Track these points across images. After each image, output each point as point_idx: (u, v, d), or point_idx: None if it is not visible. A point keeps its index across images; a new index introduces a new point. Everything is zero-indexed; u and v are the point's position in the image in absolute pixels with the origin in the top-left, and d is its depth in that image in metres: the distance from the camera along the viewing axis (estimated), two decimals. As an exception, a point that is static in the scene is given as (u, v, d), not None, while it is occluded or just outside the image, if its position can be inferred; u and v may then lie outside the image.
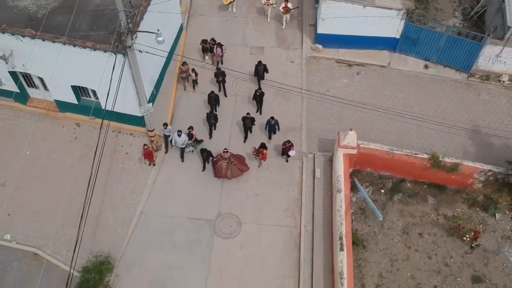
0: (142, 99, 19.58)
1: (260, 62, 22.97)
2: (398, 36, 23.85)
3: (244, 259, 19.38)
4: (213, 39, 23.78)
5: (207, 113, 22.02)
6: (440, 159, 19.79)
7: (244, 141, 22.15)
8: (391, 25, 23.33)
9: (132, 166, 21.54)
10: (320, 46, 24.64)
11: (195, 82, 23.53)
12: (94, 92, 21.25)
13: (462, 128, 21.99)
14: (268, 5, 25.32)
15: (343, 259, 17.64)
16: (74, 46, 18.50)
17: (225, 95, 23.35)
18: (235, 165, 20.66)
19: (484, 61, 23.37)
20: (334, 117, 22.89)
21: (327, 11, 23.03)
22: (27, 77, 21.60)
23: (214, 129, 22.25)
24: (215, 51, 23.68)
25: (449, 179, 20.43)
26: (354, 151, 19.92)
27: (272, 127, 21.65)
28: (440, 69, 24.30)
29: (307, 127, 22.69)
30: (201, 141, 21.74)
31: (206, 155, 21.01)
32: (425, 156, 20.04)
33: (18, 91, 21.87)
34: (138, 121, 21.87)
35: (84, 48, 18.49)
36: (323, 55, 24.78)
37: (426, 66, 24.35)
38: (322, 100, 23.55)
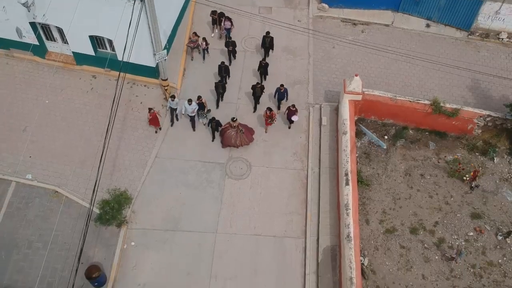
0: (158, 45, 20.54)
1: (268, 33, 23.34)
2: (401, -5, 24.85)
3: (254, 197, 20.35)
4: (221, 12, 24.04)
5: (215, 83, 22.31)
6: (441, 104, 20.71)
7: (254, 111, 22.58)
8: (394, -17, 24.32)
9: (146, 114, 22.42)
10: (326, 6, 25.62)
11: (205, 52, 23.83)
12: (110, 42, 22.19)
13: (463, 82, 23.03)
14: None
15: (349, 193, 18.61)
16: (94, -8, 19.47)
17: (234, 58, 23.91)
18: (243, 133, 21.11)
19: (483, 19, 24.33)
20: (340, 71, 23.86)
21: (333, -30, 24.03)
22: (46, 29, 22.55)
23: (222, 99, 22.60)
24: (222, 24, 24.04)
25: (450, 125, 21.38)
26: (359, 97, 20.87)
27: (281, 95, 22.00)
28: (441, 28, 25.26)
29: (314, 80, 23.67)
30: (209, 110, 22.30)
31: (215, 124, 21.23)
32: (427, 102, 20.99)
33: (37, 43, 22.84)
34: (152, 72, 22.87)
35: (103, -6, 19.47)
36: (329, 14, 25.78)
37: (427, 25, 25.33)
38: (328, 57, 24.62)
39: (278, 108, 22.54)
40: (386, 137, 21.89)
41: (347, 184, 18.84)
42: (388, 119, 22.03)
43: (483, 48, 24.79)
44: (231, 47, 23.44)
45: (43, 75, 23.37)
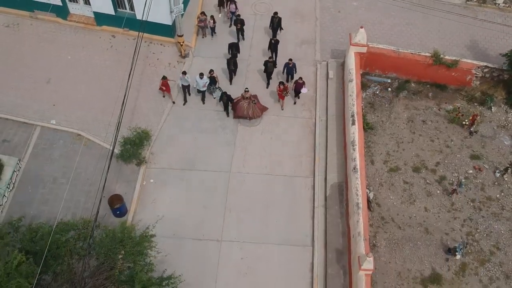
0: (176, -2, 21.94)
1: (275, 13, 23.87)
2: (402, -36, 26.26)
3: (265, 142, 21.55)
4: None
5: (227, 59, 22.73)
6: (441, 56, 22.01)
7: (267, 87, 23.01)
8: (396, -48, 25.77)
9: (163, 69, 23.80)
10: (331, -26, 27.07)
11: (213, 30, 24.76)
12: (129, 1, 23.59)
13: (462, 42, 24.40)
14: None
15: (355, 131, 19.82)
16: None
17: (243, 38, 24.61)
18: (255, 104, 21.66)
19: (480, -16, 25.76)
20: (345, 33, 25.09)
21: None
22: (70, -11, 24.04)
23: (234, 75, 23.07)
24: (228, 7, 24.90)
25: (450, 77, 22.66)
26: (364, 49, 22.18)
27: (290, 69, 22.61)
28: (441, -5, 26.71)
29: (321, 40, 25.01)
30: (219, 88, 22.58)
31: (226, 99, 21.64)
32: (428, 54, 22.30)
33: (60, 4, 24.30)
34: (168, 31, 24.23)
35: None
36: (334, -18, 27.22)
37: (428, -8, 26.76)
38: (333, 20, 26.01)
39: (287, 81, 22.89)
40: (389, 89, 23.17)
41: (353, 124, 20.06)
42: (391, 73, 23.32)
43: (480, 12, 26.18)
44: (239, 25, 24.09)
45: (65, 35, 24.75)
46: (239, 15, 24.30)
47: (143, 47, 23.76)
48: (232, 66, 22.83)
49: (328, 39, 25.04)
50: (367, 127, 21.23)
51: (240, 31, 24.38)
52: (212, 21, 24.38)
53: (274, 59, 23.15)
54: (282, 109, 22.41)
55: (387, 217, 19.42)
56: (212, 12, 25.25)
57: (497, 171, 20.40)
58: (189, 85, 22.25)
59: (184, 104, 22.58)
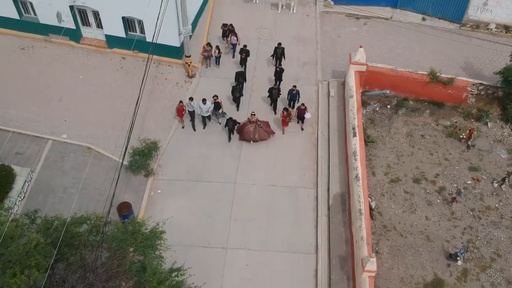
0: (184, 19, 23.15)
1: (279, 44, 24.61)
2: (398, -8, 27.82)
3: (269, 156, 22.24)
4: (231, 25, 25.87)
5: (232, 87, 23.40)
6: (437, 74, 23.02)
7: (275, 113, 23.51)
8: (392, -19, 27.35)
9: (170, 88, 24.82)
10: (332, 2, 28.59)
11: (217, 60, 25.31)
12: (139, 24, 24.84)
13: (457, 63, 25.51)
14: None
15: (356, 142, 20.56)
16: (130, -28, 22.35)
17: (245, 66, 25.06)
18: (261, 127, 22.10)
19: (473, 10, 27.14)
20: (345, 55, 26.14)
21: (337, -32, 27.14)
22: (83, 13, 25.31)
23: (239, 102, 23.62)
24: (229, 38, 25.74)
25: (446, 95, 23.58)
26: (364, 68, 23.22)
27: (293, 96, 23.17)
28: (436, 21, 28.07)
29: (322, 62, 26.15)
30: (224, 113, 23.38)
31: (232, 124, 22.10)
32: (424, 72, 23.31)
33: (74, 27, 25.57)
34: (176, 52, 25.41)
35: (139, -27, 22.31)
36: (334, 10, 28.67)
37: (423, 19, 28.15)
38: (334, 44, 27.25)
39: (292, 107, 23.33)
40: (388, 106, 24.06)
41: (354, 136, 20.82)
42: (390, 91, 24.24)
43: (474, 37, 27.41)
44: (244, 55, 24.91)
45: (78, 57, 25.90)
46: (245, 46, 24.83)
47: (152, 68, 24.91)
48: (237, 94, 23.49)
49: (328, 61, 26.16)
50: (368, 141, 21.95)
51: (244, 61, 24.91)
52: (217, 51, 25.06)
53: (278, 86, 23.85)
54: (283, 133, 22.91)
55: (389, 226, 19.86)
56: (216, 42, 26.09)
57: (495, 181, 20.98)
58: (193, 111, 22.63)
59: (194, 130, 23.03)
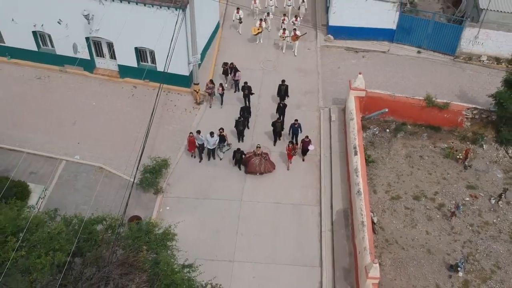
0: (194, 49, 24.65)
1: (283, 81, 25.38)
2: (394, 27, 29.50)
3: (274, 176, 23.08)
4: (231, 63, 26.89)
5: (236, 120, 24.07)
6: (433, 99, 24.25)
7: (274, 144, 24.25)
8: (388, 17, 29.07)
9: (179, 113, 26.02)
10: (331, 37, 30.25)
11: (222, 97, 25.95)
12: (151, 54, 26.35)
13: (451, 92, 26.85)
14: (283, 37, 28.77)
15: (357, 160, 21.49)
16: (145, 4, 24.01)
17: (249, 103, 25.64)
18: (266, 160, 22.71)
19: (465, 43, 28.73)
20: (345, 85, 27.56)
21: (337, 5, 28.94)
22: (97, 45, 26.89)
23: (243, 136, 24.37)
24: (231, 75, 26.74)
25: (442, 119, 24.71)
26: (363, 93, 24.47)
27: (295, 130, 23.63)
28: (430, 54, 29.61)
29: (323, 90, 27.45)
30: (230, 144, 24.27)
31: (239, 155, 22.72)
32: (421, 98, 24.56)
33: (89, 58, 27.10)
34: (185, 81, 26.78)
35: (152, 6, 23.97)
36: (334, 44, 30.31)
37: (419, 52, 29.71)
38: (334, 74, 28.71)
39: (296, 142, 23.62)
40: (387, 130, 25.14)
41: (355, 154, 21.78)
42: (388, 116, 25.40)
43: (467, 68, 28.88)
44: (246, 91, 25.79)
45: (91, 85, 27.28)
46: (246, 82, 25.54)
47: (161, 95, 25.77)
48: (240, 127, 24.13)
49: (329, 89, 27.47)
50: (368, 160, 22.87)
51: (247, 96, 25.54)
52: (221, 88, 25.80)
53: (282, 121, 24.35)
54: (288, 169, 23.18)
55: (391, 239, 20.48)
56: (218, 80, 27.11)
57: (492, 198, 21.74)
58: (203, 144, 23.20)
59: (200, 162, 23.65)
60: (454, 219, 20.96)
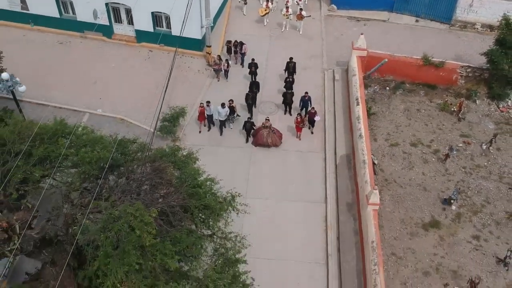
0: (208, 11, 26.49)
1: (291, 58, 26.46)
2: (394, -3, 31.40)
3: (283, 123, 24.82)
4: (235, 41, 27.74)
5: (246, 94, 25.02)
6: (430, 58, 26.07)
7: (285, 113, 25.32)
8: (388, -14, 30.97)
9: (193, 74, 27.90)
10: (334, 7, 32.09)
11: (227, 73, 27.24)
12: (166, 19, 28.21)
13: (447, 56, 28.66)
14: (286, 16, 30.20)
15: (359, 110, 23.32)
16: (162, -30, 25.89)
17: (255, 78, 26.35)
18: (275, 133, 23.68)
19: (460, 12, 30.54)
20: (348, 49, 29.45)
21: (339, -25, 30.83)
22: (116, 11, 28.75)
23: (254, 107, 25.31)
24: (238, 49, 27.90)
25: (438, 77, 26.53)
26: (365, 53, 26.28)
27: (305, 102, 24.65)
28: (428, 22, 31.42)
29: (327, 54, 29.30)
30: (238, 115, 25.57)
31: (249, 125, 23.59)
32: (419, 57, 26.37)
33: (108, 23, 28.98)
34: (197, 45, 28.65)
35: (168, -30, 25.83)
36: (336, 14, 32.16)
37: (417, 20, 31.53)
38: (337, 40, 30.53)
39: (301, 115, 24.14)
40: (387, 88, 26.96)
41: (357, 105, 23.61)
42: (388, 75, 27.25)
43: (462, 35, 30.69)
44: (253, 68, 26.38)
45: (110, 50, 29.17)
46: (253, 59, 26.55)
47: (176, 59, 28.04)
48: (249, 101, 25.11)
49: (332, 54, 29.30)
50: (369, 112, 24.67)
51: (254, 74, 26.45)
52: (226, 64, 27.11)
53: (291, 92, 25.16)
54: (300, 139, 24.20)
55: (390, 179, 22.30)
56: (225, 55, 28.43)
57: (484, 144, 23.55)
58: (212, 115, 24.21)
59: (208, 130, 24.67)
60: (448, 162, 22.77)
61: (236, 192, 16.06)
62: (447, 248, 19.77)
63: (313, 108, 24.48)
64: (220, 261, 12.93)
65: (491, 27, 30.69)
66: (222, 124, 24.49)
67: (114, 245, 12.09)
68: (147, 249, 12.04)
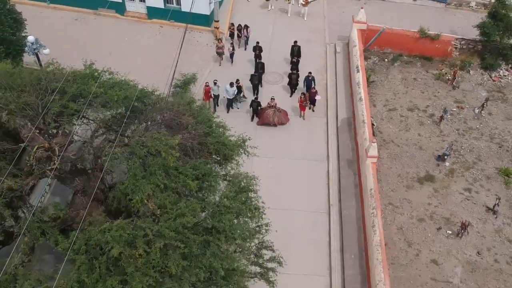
0: (215, -14, 28.11)
1: (295, 42, 27.18)
2: (393, -23, 32.88)
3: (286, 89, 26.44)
4: (239, 25, 28.66)
5: (251, 75, 25.78)
6: (426, 30, 27.60)
7: (291, 96, 26.08)
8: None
9: (201, 48, 29.46)
10: (336, -13, 33.62)
11: (232, 56, 27.95)
12: (176, -5, 29.85)
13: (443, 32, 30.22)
14: (288, 1, 31.23)
15: (359, 76, 24.84)
16: None
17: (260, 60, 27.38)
18: (280, 112, 24.39)
19: (456, -10, 32.09)
20: (349, 26, 31.00)
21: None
22: (129, -13, 30.38)
23: (258, 88, 25.87)
24: (243, 32, 28.94)
25: (434, 49, 28.06)
26: (364, 26, 27.82)
27: (309, 82, 25.43)
28: (425, 1, 32.95)
29: (329, 30, 30.85)
30: (245, 97, 26.48)
31: (256, 105, 24.27)
32: (415, 30, 27.92)
33: (120, 1, 30.55)
34: (206, 21, 30.21)
35: None
36: (338, -7, 33.73)
37: (414, 0, 33.05)
38: (339, 18, 32.07)
39: (305, 94, 24.72)
40: (386, 60, 28.51)
41: (357, 72, 25.15)
42: (387, 48, 28.79)
43: (458, 13, 32.23)
44: (257, 51, 27.02)
45: (122, 25, 30.74)
46: (258, 42, 27.21)
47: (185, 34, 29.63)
48: (255, 81, 25.84)
49: (334, 29, 30.83)
50: (369, 80, 26.20)
51: (258, 57, 27.05)
52: (231, 48, 27.86)
53: (297, 72, 26.11)
54: (304, 119, 25.11)
55: (387, 140, 23.86)
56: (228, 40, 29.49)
57: (476, 108, 25.09)
58: (219, 95, 24.94)
59: (214, 113, 24.18)
60: (443, 124, 24.31)
61: (246, 136, 17.52)
62: (441, 198, 21.30)
63: (314, 88, 25.49)
64: (233, 188, 14.39)
65: (485, 5, 32.20)
66: (230, 103, 25.29)
67: (141, 169, 13.63)
68: (171, 171, 13.58)
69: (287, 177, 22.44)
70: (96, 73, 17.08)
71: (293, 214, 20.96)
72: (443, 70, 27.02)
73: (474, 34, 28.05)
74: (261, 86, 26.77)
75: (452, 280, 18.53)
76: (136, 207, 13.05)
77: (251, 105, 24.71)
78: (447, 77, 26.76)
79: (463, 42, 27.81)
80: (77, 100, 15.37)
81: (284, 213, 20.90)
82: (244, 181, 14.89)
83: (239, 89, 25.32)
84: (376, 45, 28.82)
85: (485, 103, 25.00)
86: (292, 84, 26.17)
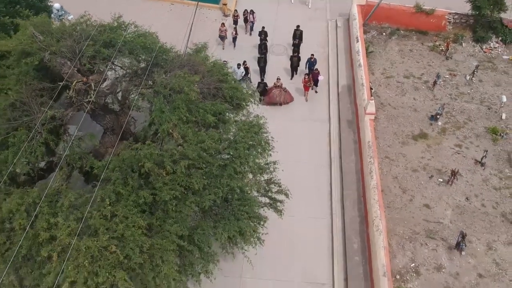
0: (224, -35, 29.93)
1: (298, 26, 28.19)
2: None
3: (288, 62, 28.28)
4: (245, 10, 29.74)
5: (258, 57, 26.83)
6: (421, 6, 29.48)
7: (291, 78, 27.05)
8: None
9: (210, 23, 31.35)
10: (337, -32, 35.42)
11: (235, 40, 29.27)
12: (188, -25, 31.69)
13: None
14: None
15: (359, 45, 26.70)
16: None
17: (266, 47, 27.83)
18: (286, 91, 25.63)
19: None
20: (349, 4, 32.85)
21: None
22: (142, -32, 32.21)
23: (264, 71, 26.75)
24: (249, 18, 30.09)
25: (429, 23, 29.91)
26: (364, 1, 29.67)
27: (311, 63, 26.44)
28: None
29: (330, 8, 32.72)
30: (251, 82, 27.36)
31: (263, 86, 25.05)
32: (411, 5, 29.80)
33: (134, -20, 32.42)
34: (214, -1, 32.18)
35: None
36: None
37: (411, -20, 34.89)
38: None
39: (308, 74, 25.95)
40: (384, 34, 30.36)
41: (357, 41, 27.01)
42: (385, 23, 30.65)
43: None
44: (263, 36, 27.86)
45: (134, 4, 32.59)
46: (263, 27, 28.14)
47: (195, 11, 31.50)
48: (262, 63, 26.79)
49: (335, 6, 32.70)
50: (368, 51, 28.04)
51: (264, 41, 27.83)
52: (234, 32, 29.20)
53: (298, 55, 27.19)
54: (306, 101, 26.07)
55: (385, 103, 25.70)
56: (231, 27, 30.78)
57: (467, 75, 26.95)
58: None
59: None
60: (436, 89, 26.15)
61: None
62: (433, 153, 23.14)
63: (316, 69, 26.63)
64: (246, 124, 16.27)
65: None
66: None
67: (165, 105, 15.48)
68: (192, 106, 15.41)
69: (291, 136, 24.12)
70: (123, 26, 18.70)
71: (297, 166, 22.77)
72: (437, 42, 28.85)
73: (467, 9, 29.90)
74: (266, 64, 27.08)
75: (442, 221, 20.36)
76: (162, 135, 14.91)
77: (258, 87, 25.00)
78: (441, 49, 28.60)
79: (456, 17, 29.65)
80: (108, 47, 17.22)
81: (288, 165, 22.68)
82: (255, 120, 16.74)
83: (247, 70, 26.24)
84: (375, 20, 30.64)
85: (475, 70, 26.84)
86: (294, 67, 27.21)
